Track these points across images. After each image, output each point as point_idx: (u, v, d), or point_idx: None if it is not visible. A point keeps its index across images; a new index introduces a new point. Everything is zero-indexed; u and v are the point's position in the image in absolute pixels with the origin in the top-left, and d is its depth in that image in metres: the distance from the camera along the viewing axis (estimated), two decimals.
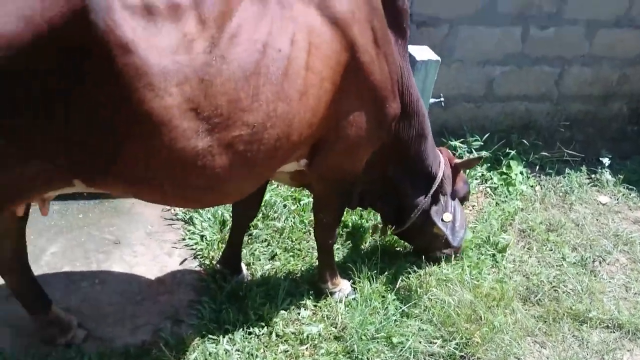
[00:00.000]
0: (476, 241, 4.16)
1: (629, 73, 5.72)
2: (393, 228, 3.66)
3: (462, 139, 5.16)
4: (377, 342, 3.27)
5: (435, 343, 3.33)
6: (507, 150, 5.19)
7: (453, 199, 3.67)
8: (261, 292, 3.47)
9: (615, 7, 5.29)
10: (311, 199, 4.21)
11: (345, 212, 3.70)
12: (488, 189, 4.91)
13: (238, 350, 3.16)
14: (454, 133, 5.23)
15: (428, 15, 4.79)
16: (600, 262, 4.29)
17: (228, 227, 3.86)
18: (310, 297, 3.54)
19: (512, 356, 3.35)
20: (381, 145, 3.12)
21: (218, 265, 3.62)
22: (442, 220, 3.57)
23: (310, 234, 4.05)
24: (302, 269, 3.77)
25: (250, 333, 3.25)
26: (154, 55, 2.04)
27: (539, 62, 5.38)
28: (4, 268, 2.76)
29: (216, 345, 3.17)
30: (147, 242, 3.88)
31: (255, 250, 3.85)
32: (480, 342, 3.31)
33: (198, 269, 3.71)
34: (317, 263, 3.65)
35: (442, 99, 4.60)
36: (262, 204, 3.68)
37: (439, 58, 4.10)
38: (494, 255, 4.11)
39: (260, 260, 3.79)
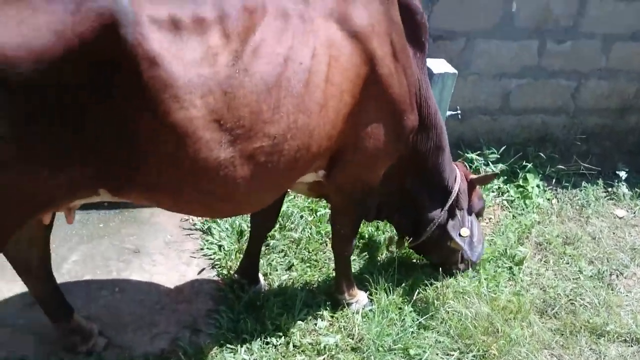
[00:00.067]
0: (493, 254, 4.16)
1: None
2: (410, 240, 3.67)
3: (478, 152, 5.18)
4: (394, 353, 3.28)
5: (452, 355, 3.34)
6: (524, 163, 5.20)
7: (470, 214, 3.69)
8: (278, 302, 3.49)
9: (632, 21, 5.29)
10: (328, 210, 4.26)
11: (362, 224, 3.72)
12: (505, 202, 4.91)
13: None
14: (470, 145, 5.25)
15: (445, 29, 4.83)
16: (617, 276, 4.28)
17: (245, 238, 3.90)
18: (327, 307, 3.55)
19: None
20: (399, 158, 3.15)
21: (236, 275, 3.65)
22: (460, 235, 3.58)
23: (326, 245, 4.07)
24: (319, 279, 3.80)
25: (267, 343, 3.28)
26: (180, 68, 2.09)
27: (555, 76, 5.39)
28: (29, 275, 2.81)
29: (234, 354, 3.20)
30: (166, 251, 3.92)
31: (272, 260, 3.88)
32: (497, 355, 3.31)
33: (216, 278, 3.75)
34: (333, 274, 3.68)
35: (459, 111, 4.63)
36: (280, 214, 3.71)
37: (455, 71, 4.13)
38: (510, 268, 4.11)
39: (277, 270, 3.82)
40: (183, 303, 3.52)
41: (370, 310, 3.54)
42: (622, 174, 5.49)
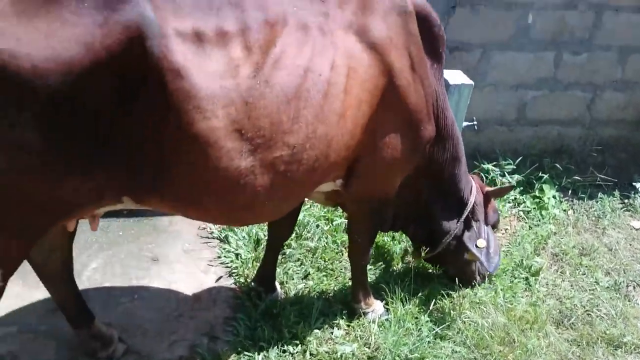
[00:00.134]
0: (509, 264, 4.17)
1: None
2: (427, 251, 3.68)
3: (494, 162, 5.19)
4: None
5: None
6: (540, 174, 5.20)
7: (487, 225, 3.71)
8: (295, 310, 3.52)
9: None
10: (343, 220, 4.29)
11: (377, 234, 3.75)
12: (521, 213, 4.92)
13: None
14: (486, 156, 5.27)
15: (461, 41, 4.88)
16: (634, 287, 4.27)
17: (262, 246, 3.94)
18: (344, 316, 3.57)
19: None
20: (416, 168, 3.18)
21: (253, 283, 3.69)
22: (476, 246, 3.60)
23: (342, 254, 4.10)
24: (335, 288, 3.82)
25: (284, 351, 3.30)
26: (203, 79, 2.14)
27: (571, 87, 5.41)
28: (53, 281, 2.86)
29: None
30: (184, 259, 3.97)
31: (288, 269, 3.90)
32: None
33: (233, 286, 3.78)
34: (350, 283, 3.70)
35: (475, 122, 4.65)
36: (296, 223, 3.74)
37: (472, 82, 4.15)
38: (527, 278, 4.11)
39: (293, 279, 3.85)
40: (201, 310, 3.56)
41: (387, 319, 3.55)
42: (639, 186, 5.47)
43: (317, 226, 4.28)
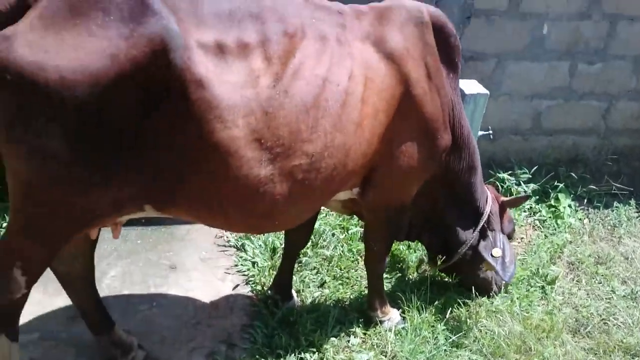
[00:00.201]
0: (525, 273, 4.17)
1: None
2: (443, 260, 3.70)
3: (510, 172, 5.21)
4: None
5: None
6: (555, 183, 5.21)
7: (503, 234, 3.72)
8: (311, 318, 3.54)
9: None
10: (359, 228, 4.32)
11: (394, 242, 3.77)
12: (537, 222, 4.92)
13: None
14: (501, 165, 5.28)
15: (476, 51, 4.91)
16: None
17: (279, 255, 3.97)
18: (360, 325, 3.58)
19: None
20: (432, 177, 3.21)
21: (269, 291, 3.72)
22: (492, 255, 3.60)
23: (358, 262, 4.12)
24: (351, 297, 3.84)
25: (302, 359, 3.31)
26: (224, 90, 2.18)
27: (586, 97, 5.42)
28: (75, 288, 2.90)
29: None
30: (201, 267, 4.01)
31: (305, 277, 3.93)
32: None
33: (250, 294, 3.81)
34: (366, 291, 3.72)
35: (491, 131, 4.66)
36: (312, 232, 3.77)
37: (487, 92, 4.17)
38: (543, 287, 4.11)
39: (309, 287, 3.87)
40: (218, 318, 3.59)
41: (403, 328, 3.56)
42: None
43: (333, 235, 4.31)
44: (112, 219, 2.45)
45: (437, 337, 3.50)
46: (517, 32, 4.95)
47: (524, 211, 4.98)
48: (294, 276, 3.76)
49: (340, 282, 3.95)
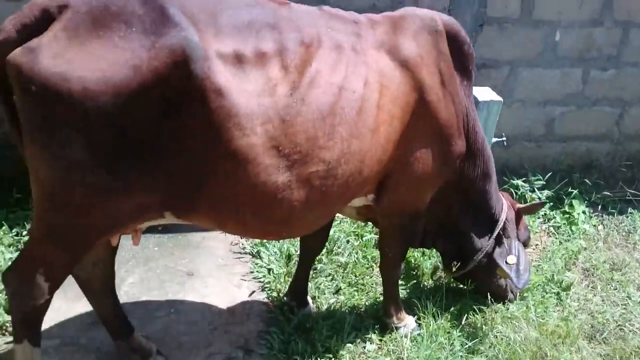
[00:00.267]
0: (540, 279, 4.17)
1: None
2: (458, 266, 3.71)
3: (524, 178, 5.22)
4: None
5: None
6: (569, 190, 5.22)
7: (518, 241, 3.73)
8: (327, 325, 3.56)
9: None
10: (373, 235, 4.34)
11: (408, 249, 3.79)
12: (551, 228, 4.93)
13: None
14: (515, 172, 5.30)
15: (489, 58, 4.94)
16: None
17: (294, 261, 4.01)
18: (376, 331, 3.60)
19: None
20: (446, 184, 3.23)
21: (285, 298, 3.75)
22: (507, 262, 3.61)
23: (373, 269, 4.15)
24: (367, 303, 3.86)
25: None
26: (243, 98, 2.23)
27: (599, 103, 5.43)
28: (96, 294, 2.95)
29: None
30: (217, 274, 4.04)
31: (320, 284, 3.96)
32: None
33: (266, 300, 3.84)
34: (381, 298, 3.74)
35: (504, 138, 4.69)
36: (327, 239, 3.79)
37: (501, 99, 4.20)
38: (558, 293, 4.11)
39: (325, 294, 3.90)
40: (235, 324, 3.62)
41: (419, 334, 3.57)
42: None
43: (348, 242, 4.34)
44: (133, 226, 2.50)
45: (453, 343, 3.52)
46: (530, 40, 4.98)
47: (539, 218, 4.98)
48: (309, 283, 3.79)
49: (355, 288, 3.97)
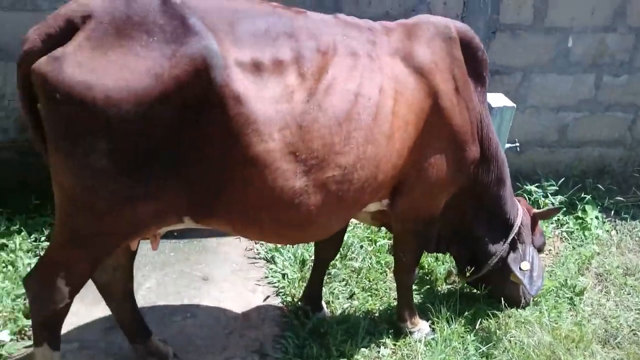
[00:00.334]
0: (554, 284, 4.18)
1: None
2: (472, 271, 3.73)
3: (537, 184, 5.24)
4: None
5: None
6: (582, 195, 5.22)
7: (534, 247, 3.74)
8: (342, 329, 3.58)
9: None
10: (387, 241, 4.36)
11: (422, 255, 3.80)
12: (564, 233, 4.93)
13: None
14: (528, 178, 5.31)
15: (502, 64, 4.97)
16: None
17: (308, 266, 4.04)
18: (390, 336, 3.62)
19: None
20: (460, 189, 3.26)
21: (300, 303, 3.77)
22: (520, 269, 3.62)
23: (386, 274, 4.17)
24: (380, 308, 3.88)
25: None
26: (261, 105, 2.28)
27: (612, 109, 5.43)
28: (115, 299, 3.00)
29: None
30: (232, 279, 4.08)
31: (334, 289, 3.98)
32: None
33: (281, 305, 3.87)
34: (395, 303, 3.76)
35: (517, 144, 4.70)
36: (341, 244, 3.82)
37: (514, 105, 4.22)
38: (571, 298, 4.12)
39: (339, 298, 3.92)
40: (250, 328, 3.65)
41: (433, 338, 3.59)
42: None
43: (361, 247, 4.37)
44: (153, 231, 2.54)
45: (467, 347, 3.53)
46: (543, 46, 5.00)
47: (552, 223, 4.99)
48: (323, 288, 3.82)
49: (369, 293, 4.00)
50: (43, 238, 4.06)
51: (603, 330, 3.85)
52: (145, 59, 2.09)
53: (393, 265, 3.61)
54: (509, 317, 3.77)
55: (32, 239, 4.05)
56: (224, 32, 2.24)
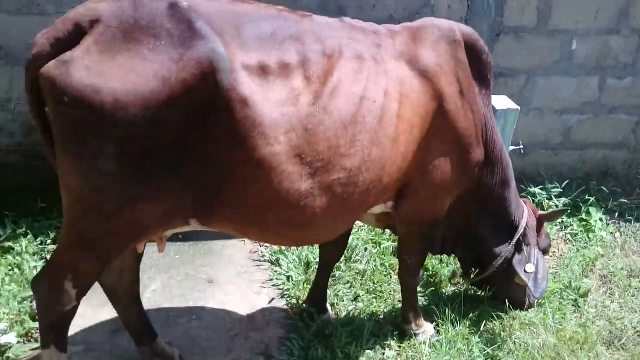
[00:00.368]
0: (558, 286, 4.18)
1: None
2: (476, 273, 3.73)
3: (541, 186, 5.24)
4: None
5: None
6: (586, 197, 5.22)
7: (539, 249, 3.74)
8: (347, 331, 3.59)
9: None
10: (391, 243, 4.37)
11: (427, 257, 3.81)
12: (568, 236, 4.93)
13: None
14: (532, 180, 5.32)
15: (506, 67, 4.98)
16: None
17: (313, 269, 4.05)
18: (395, 338, 3.63)
19: None
20: (465, 191, 3.26)
21: (305, 305, 3.78)
22: (525, 271, 3.63)
23: (391, 277, 4.18)
24: (385, 310, 3.89)
25: None
26: (267, 108, 2.29)
27: (615, 111, 5.44)
28: (122, 301, 3.02)
29: None
30: (237, 281, 4.09)
31: (339, 291, 3.99)
32: None
33: (285, 307, 3.88)
34: (399, 305, 3.77)
35: (521, 146, 4.71)
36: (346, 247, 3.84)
37: (518, 107, 4.23)
38: (576, 300, 4.12)
39: (344, 301, 3.93)
40: (255, 331, 3.66)
41: (438, 340, 3.59)
42: None
43: (366, 249, 4.38)
44: (160, 233, 2.56)
45: (472, 349, 3.53)
46: (547, 49, 5.01)
47: (556, 225, 4.99)
48: (328, 290, 3.82)
49: (373, 296, 4.01)
50: (49, 241, 4.09)
51: (608, 332, 3.86)
52: (153, 62, 2.10)
53: (398, 268, 3.61)
54: (514, 319, 3.78)
55: (38, 242, 4.08)
56: (230, 36, 2.26)
